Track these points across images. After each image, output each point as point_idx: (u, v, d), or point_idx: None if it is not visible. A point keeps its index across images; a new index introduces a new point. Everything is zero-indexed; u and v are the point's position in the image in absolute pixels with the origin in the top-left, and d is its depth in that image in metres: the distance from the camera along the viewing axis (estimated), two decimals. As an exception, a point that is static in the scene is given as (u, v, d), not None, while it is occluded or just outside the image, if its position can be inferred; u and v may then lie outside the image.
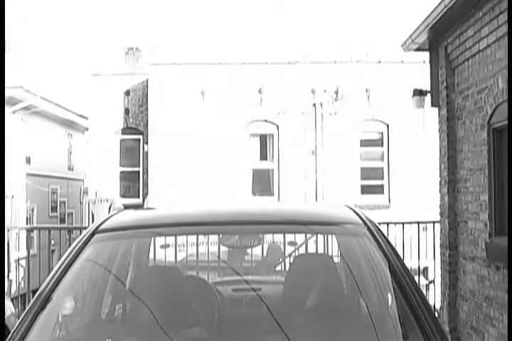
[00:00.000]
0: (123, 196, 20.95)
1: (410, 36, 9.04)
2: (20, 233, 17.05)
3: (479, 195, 7.81)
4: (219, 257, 5.02)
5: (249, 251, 5.60)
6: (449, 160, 8.83)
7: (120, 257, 3.92)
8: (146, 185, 20.12)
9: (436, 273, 10.11)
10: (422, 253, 10.14)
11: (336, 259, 4.18)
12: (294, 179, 18.70)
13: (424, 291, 10.13)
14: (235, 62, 18.86)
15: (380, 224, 3.95)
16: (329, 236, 4.53)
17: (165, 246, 4.85)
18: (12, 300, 11.82)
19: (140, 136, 20.99)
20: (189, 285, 4.01)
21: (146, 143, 20.05)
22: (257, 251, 5.64)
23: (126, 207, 18.32)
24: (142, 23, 59.15)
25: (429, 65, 9.47)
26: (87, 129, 24.10)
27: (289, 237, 5.46)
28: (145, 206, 19.29)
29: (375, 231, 3.57)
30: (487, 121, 7.50)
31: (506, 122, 6.90)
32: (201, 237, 4.71)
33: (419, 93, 9.99)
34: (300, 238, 5.46)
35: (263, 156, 19.51)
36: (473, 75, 8.02)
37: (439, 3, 7.70)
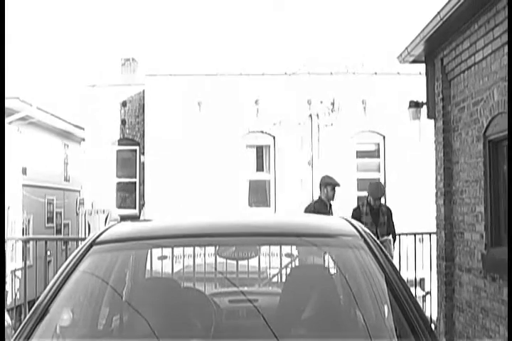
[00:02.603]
0: (119, 207, 20.92)
1: (406, 48, 9.08)
2: (16, 244, 17.01)
3: (475, 207, 7.83)
4: (215, 268, 5.02)
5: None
6: (445, 171, 8.85)
7: (118, 269, 3.94)
8: (142, 195, 20.11)
9: (432, 284, 10.11)
10: (419, 265, 10.16)
11: (332, 271, 4.20)
12: (291, 190, 18.69)
13: (420, 302, 10.13)
14: (232, 73, 18.89)
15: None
16: (326, 248, 4.54)
17: (162, 257, 4.85)
18: (8, 311, 11.79)
19: (136, 147, 21.00)
20: (186, 296, 4.02)
21: (143, 153, 20.05)
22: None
23: (123, 218, 18.31)
24: (139, 34, 59.29)
25: (425, 77, 9.50)
26: (83, 140, 24.08)
27: (286, 249, 5.47)
28: (141, 217, 19.27)
29: (371, 243, 3.58)
30: (483, 133, 7.53)
31: (502, 134, 6.94)
32: (198, 249, 4.72)
33: (415, 105, 10.02)
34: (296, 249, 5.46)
35: (259, 167, 19.51)
36: (468, 87, 8.06)
37: (435, 16, 7.74)
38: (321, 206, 10.13)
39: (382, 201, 10.29)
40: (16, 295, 11.73)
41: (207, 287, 4.91)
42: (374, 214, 9.95)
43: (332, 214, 10.22)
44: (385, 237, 9.62)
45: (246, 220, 4.53)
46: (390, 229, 9.98)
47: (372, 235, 3.74)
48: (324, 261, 4.68)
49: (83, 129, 22.92)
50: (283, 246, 5.10)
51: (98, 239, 3.67)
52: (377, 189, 10.16)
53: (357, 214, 9.85)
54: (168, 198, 18.27)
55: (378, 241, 3.72)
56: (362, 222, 9.21)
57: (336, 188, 10.33)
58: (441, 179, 8.99)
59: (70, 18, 68.49)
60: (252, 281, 5.63)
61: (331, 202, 10.35)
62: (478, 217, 7.69)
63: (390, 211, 10.19)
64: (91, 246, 3.61)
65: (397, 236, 10.21)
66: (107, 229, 3.86)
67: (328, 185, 10.29)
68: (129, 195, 21.15)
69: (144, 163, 19.79)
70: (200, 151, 18.51)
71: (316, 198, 10.77)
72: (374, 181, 10.69)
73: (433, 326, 9.08)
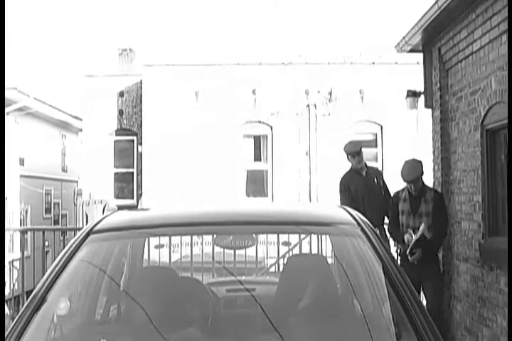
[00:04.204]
0: (117, 197, 20.92)
1: (404, 37, 9.05)
2: (13, 234, 17.02)
3: (473, 196, 7.82)
4: (213, 258, 5.02)
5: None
6: (443, 161, 8.84)
7: (115, 258, 3.94)
8: (140, 186, 20.11)
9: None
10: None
11: (329, 260, 4.20)
12: (288, 180, 18.70)
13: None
14: (229, 63, 18.85)
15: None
16: (323, 237, 4.54)
17: (159, 246, 4.86)
18: (6, 301, 11.80)
19: (134, 137, 20.98)
20: (183, 285, 4.02)
21: (140, 144, 20.04)
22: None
23: (120, 208, 18.30)
24: (136, 24, 59.13)
25: (422, 67, 9.48)
26: (81, 130, 24.05)
27: (283, 237, 5.48)
28: (139, 207, 19.27)
29: (368, 232, 3.58)
30: (480, 122, 7.51)
31: (499, 123, 6.93)
32: (195, 238, 4.72)
33: (412, 94, 10.00)
34: (294, 238, 5.47)
35: (257, 157, 19.51)
36: (466, 77, 8.04)
37: (433, 5, 7.72)
38: (351, 176, 9.70)
39: (430, 185, 8.29)
40: (13, 285, 11.71)
41: (204, 276, 4.92)
42: (414, 200, 7.95)
43: (371, 181, 9.46)
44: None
45: (243, 209, 4.53)
46: (437, 222, 7.86)
47: (369, 223, 3.73)
48: (321, 249, 4.68)
49: (81, 120, 22.89)
50: (280, 235, 5.10)
51: (95, 228, 3.66)
52: (407, 169, 8.13)
53: (395, 201, 8.22)
54: (165, 188, 18.27)
55: (375, 229, 3.72)
56: (399, 210, 8.14)
57: (361, 155, 9.61)
58: (438, 169, 8.98)
59: (67, 9, 68.29)
60: (250, 270, 5.64)
61: (365, 169, 9.65)
62: (476, 206, 7.69)
63: (440, 198, 8.13)
64: (88, 234, 3.60)
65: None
66: (104, 218, 3.86)
67: (346, 153, 9.83)
68: (127, 185, 21.14)
69: (141, 153, 19.79)
70: (198, 141, 18.49)
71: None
72: (409, 159, 8.30)
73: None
